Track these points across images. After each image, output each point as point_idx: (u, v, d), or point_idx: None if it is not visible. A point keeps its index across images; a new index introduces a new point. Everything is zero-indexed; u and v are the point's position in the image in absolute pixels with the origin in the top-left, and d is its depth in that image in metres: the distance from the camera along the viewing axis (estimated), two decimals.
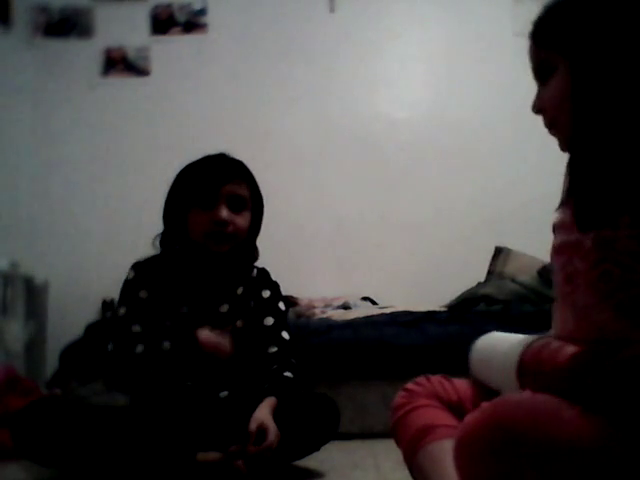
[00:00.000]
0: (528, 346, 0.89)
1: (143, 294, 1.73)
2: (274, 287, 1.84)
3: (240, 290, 1.80)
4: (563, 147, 0.98)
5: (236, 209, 1.71)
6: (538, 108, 0.99)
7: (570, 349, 0.83)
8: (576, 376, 0.79)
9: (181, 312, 1.73)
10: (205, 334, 1.67)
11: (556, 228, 1.00)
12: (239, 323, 1.77)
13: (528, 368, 0.87)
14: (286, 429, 1.61)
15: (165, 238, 1.77)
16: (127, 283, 1.75)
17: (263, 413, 1.58)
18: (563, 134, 0.97)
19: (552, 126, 0.98)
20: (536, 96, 0.99)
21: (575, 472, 0.73)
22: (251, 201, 1.76)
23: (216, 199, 1.69)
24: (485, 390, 1.03)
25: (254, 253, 1.83)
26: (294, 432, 1.64)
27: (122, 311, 1.72)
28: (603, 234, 0.86)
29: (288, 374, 1.73)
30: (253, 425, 1.54)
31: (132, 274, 1.76)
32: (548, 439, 0.72)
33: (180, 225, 1.73)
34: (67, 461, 1.58)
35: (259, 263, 1.87)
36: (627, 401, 0.76)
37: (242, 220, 1.73)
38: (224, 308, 1.77)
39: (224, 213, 1.68)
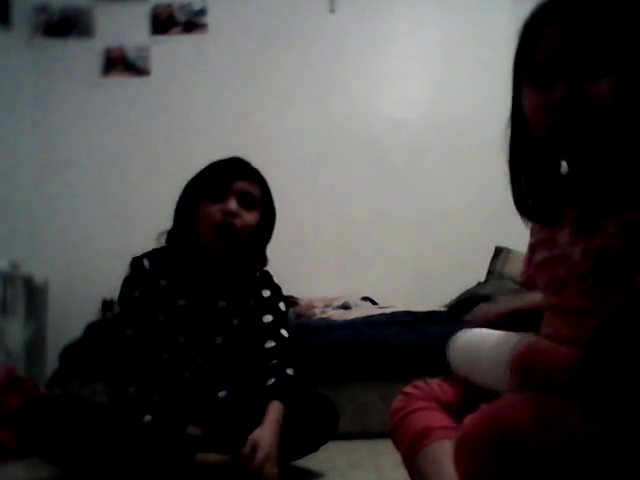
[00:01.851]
0: (519, 344, 0.89)
1: (137, 293, 1.74)
2: (275, 288, 1.85)
3: (240, 288, 1.81)
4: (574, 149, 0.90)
5: (246, 206, 1.73)
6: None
7: (564, 350, 0.84)
8: (574, 377, 0.79)
9: (178, 305, 1.74)
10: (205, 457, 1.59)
11: (535, 247, 1.01)
12: (236, 321, 1.78)
13: (521, 367, 0.87)
14: (285, 429, 1.61)
15: (172, 234, 1.78)
16: (125, 281, 1.77)
17: (263, 433, 1.55)
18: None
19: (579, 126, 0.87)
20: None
21: (575, 473, 0.73)
22: (262, 205, 1.78)
23: (227, 193, 1.71)
24: (473, 388, 1.03)
25: (262, 259, 1.84)
26: (293, 432, 1.64)
27: (118, 311, 1.74)
28: (593, 245, 0.86)
29: (290, 371, 1.71)
30: (247, 448, 1.52)
31: (129, 271, 1.77)
32: (548, 440, 0.72)
33: (189, 219, 1.74)
34: (66, 461, 1.59)
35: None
36: (625, 402, 0.76)
37: (250, 217, 1.74)
38: (222, 304, 1.77)
39: (233, 205, 1.70)
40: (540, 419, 0.74)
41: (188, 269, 1.78)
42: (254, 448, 1.52)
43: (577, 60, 0.85)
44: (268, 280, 1.85)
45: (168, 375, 1.71)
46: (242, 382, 1.75)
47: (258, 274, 1.85)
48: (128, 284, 1.76)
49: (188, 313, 1.74)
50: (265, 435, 1.55)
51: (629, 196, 0.85)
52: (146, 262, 1.77)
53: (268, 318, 1.78)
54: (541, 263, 0.97)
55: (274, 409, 1.61)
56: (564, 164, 0.98)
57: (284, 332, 1.79)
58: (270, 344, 1.75)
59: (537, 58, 0.90)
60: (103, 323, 2.74)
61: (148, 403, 1.60)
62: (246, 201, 1.74)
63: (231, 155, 1.81)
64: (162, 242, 1.79)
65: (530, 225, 1.07)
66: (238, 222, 1.71)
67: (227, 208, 1.70)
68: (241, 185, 1.73)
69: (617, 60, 0.85)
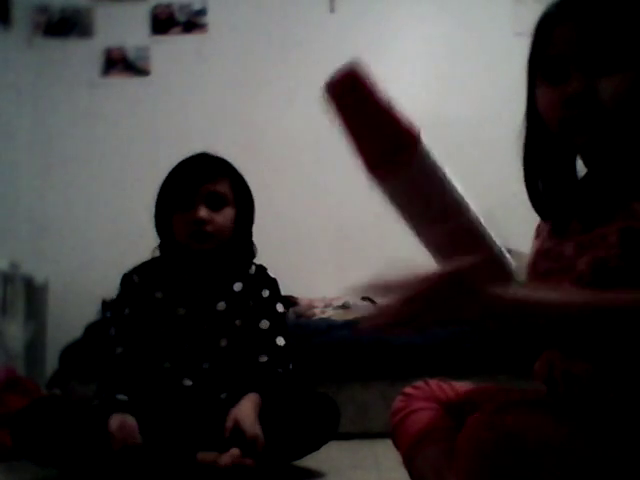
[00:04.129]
0: None
1: (127, 311, 1.75)
2: (273, 285, 1.83)
3: (238, 287, 1.79)
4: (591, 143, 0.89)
5: (215, 207, 1.72)
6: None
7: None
8: None
9: (178, 314, 1.74)
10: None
11: (540, 254, 1.01)
12: (238, 322, 1.76)
13: None
14: (286, 428, 1.61)
15: (161, 245, 1.79)
16: (114, 301, 1.79)
17: (241, 408, 1.58)
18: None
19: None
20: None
21: (571, 475, 0.73)
22: (235, 197, 1.76)
23: (195, 199, 1.70)
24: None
25: (250, 249, 1.82)
26: (294, 431, 1.64)
27: (112, 332, 1.75)
28: (596, 255, 0.86)
29: (279, 370, 1.72)
30: (229, 423, 1.55)
31: (118, 290, 1.78)
32: (546, 442, 0.73)
33: (167, 230, 1.75)
34: (67, 461, 1.59)
35: (259, 262, 1.87)
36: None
37: (222, 218, 1.72)
38: (221, 306, 1.76)
39: (202, 212, 1.69)
40: (537, 422, 0.74)
41: (181, 277, 1.77)
42: (237, 421, 1.54)
43: (590, 54, 0.85)
44: (265, 276, 1.83)
45: (170, 384, 1.71)
46: (242, 384, 1.74)
47: (254, 270, 1.82)
48: (117, 303, 1.78)
49: (190, 321, 1.74)
50: (243, 408, 1.57)
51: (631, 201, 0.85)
52: (135, 277, 1.77)
53: (265, 324, 1.76)
54: (545, 273, 0.98)
55: (249, 396, 1.63)
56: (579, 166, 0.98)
57: (280, 341, 1.77)
58: (263, 359, 1.73)
59: (551, 53, 0.90)
60: (103, 323, 2.74)
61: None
62: (215, 202, 1.72)
63: (195, 152, 1.78)
64: (157, 254, 1.80)
65: (536, 226, 1.07)
66: (209, 228, 1.70)
67: (195, 217, 1.68)
68: (207, 187, 1.71)
69: (631, 57, 0.85)
